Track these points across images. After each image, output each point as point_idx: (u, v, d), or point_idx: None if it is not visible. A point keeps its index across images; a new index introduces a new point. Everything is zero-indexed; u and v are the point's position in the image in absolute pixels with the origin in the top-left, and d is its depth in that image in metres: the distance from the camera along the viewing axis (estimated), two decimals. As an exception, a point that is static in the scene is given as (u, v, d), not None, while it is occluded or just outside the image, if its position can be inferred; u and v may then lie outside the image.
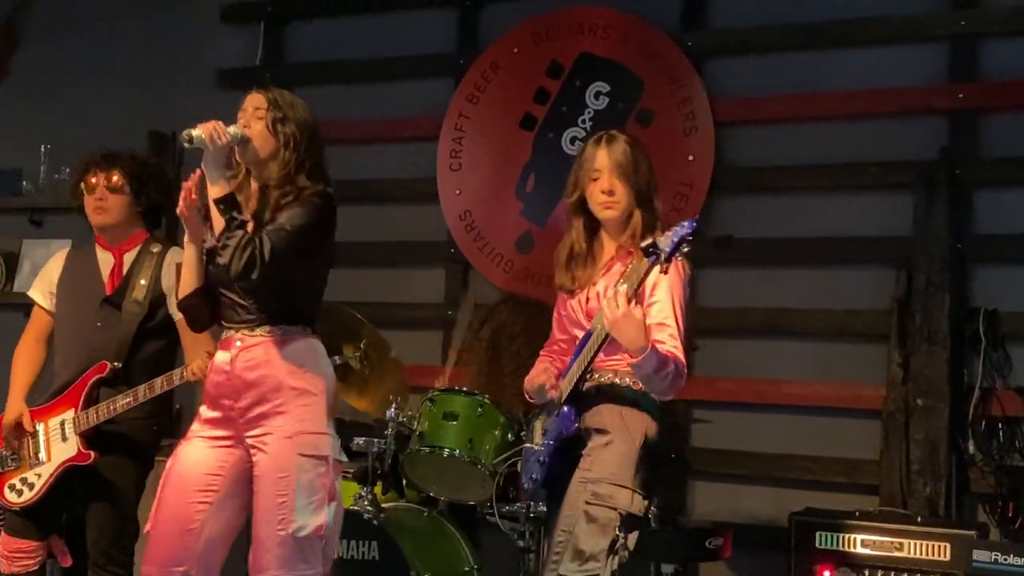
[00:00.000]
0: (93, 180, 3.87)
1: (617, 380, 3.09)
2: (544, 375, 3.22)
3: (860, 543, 3.90)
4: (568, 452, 3.12)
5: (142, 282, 3.83)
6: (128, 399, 3.71)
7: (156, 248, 3.92)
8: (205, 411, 3.21)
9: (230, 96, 5.52)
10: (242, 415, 3.11)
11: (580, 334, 3.18)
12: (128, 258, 3.89)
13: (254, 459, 3.10)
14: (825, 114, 4.59)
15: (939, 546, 3.81)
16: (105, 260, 3.92)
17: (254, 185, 3.21)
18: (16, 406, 3.86)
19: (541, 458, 3.16)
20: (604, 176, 3.14)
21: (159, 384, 3.70)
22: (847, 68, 4.59)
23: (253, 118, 3.17)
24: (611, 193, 3.13)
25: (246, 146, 3.16)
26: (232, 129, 3.16)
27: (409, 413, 4.19)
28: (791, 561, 4.00)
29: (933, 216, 4.31)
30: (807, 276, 4.60)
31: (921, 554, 3.83)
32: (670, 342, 2.98)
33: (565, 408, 3.09)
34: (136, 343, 3.80)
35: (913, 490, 4.23)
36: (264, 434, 3.07)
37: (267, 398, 3.08)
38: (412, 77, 5.31)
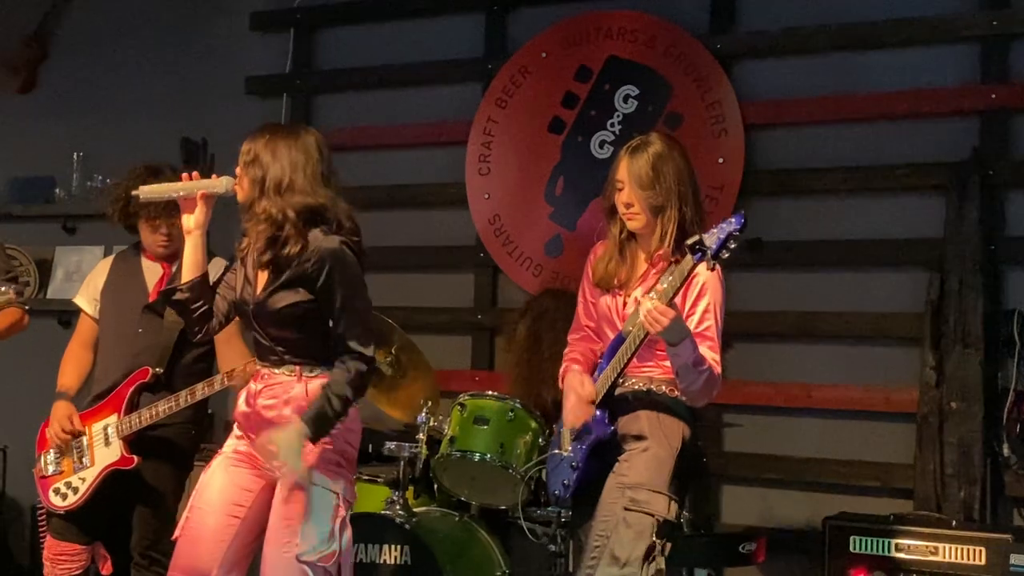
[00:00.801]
0: (157, 221, 3.88)
1: (652, 387, 3.09)
2: (577, 415, 3.17)
3: (895, 547, 3.87)
4: (601, 456, 3.11)
5: None
6: (170, 404, 3.78)
7: None
8: (236, 429, 3.26)
9: (260, 103, 5.64)
10: (261, 450, 3.12)
11: (611, 333, 3.18)
12: (175, 270, 3.93)
13: (273, 485, 3.13)
14: (856, 116, 4.56)
15: (975, 550, 3.78)
16: (152, 269, 4.01)
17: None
18: (65, 405, 3.91)
19: (574, 463, 3.15)
20: (625, 188, 3.18)
21: (200, 389, 3.78)
22: (877, 69, 4.56)
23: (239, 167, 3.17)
24: (629, 206, 3.17)
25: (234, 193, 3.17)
26: (202, 183, 3.19)
27: (440, 418, 4.20)
28: (825, 566, 3.98)
29: (965, 218, 4.28)
30: (839, 279, 4.58)
31: (956, 558, 3.80)
32: (708, 354, 2.99)
33: (598, 412, 3.09)
34: (177, 349, 3.87)
35: (947, 494, 4.19)
36: (280, 465, 3.05)
37: None
38: (441, 82, 5.32)
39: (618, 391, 3.10)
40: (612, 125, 4.93)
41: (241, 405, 3.22)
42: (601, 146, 4.94)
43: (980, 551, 3.77)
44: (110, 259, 4.15)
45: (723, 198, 4.63)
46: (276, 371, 3.15)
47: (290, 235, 3.03)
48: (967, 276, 4.24)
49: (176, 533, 3.21)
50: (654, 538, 2.94)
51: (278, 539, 3.04)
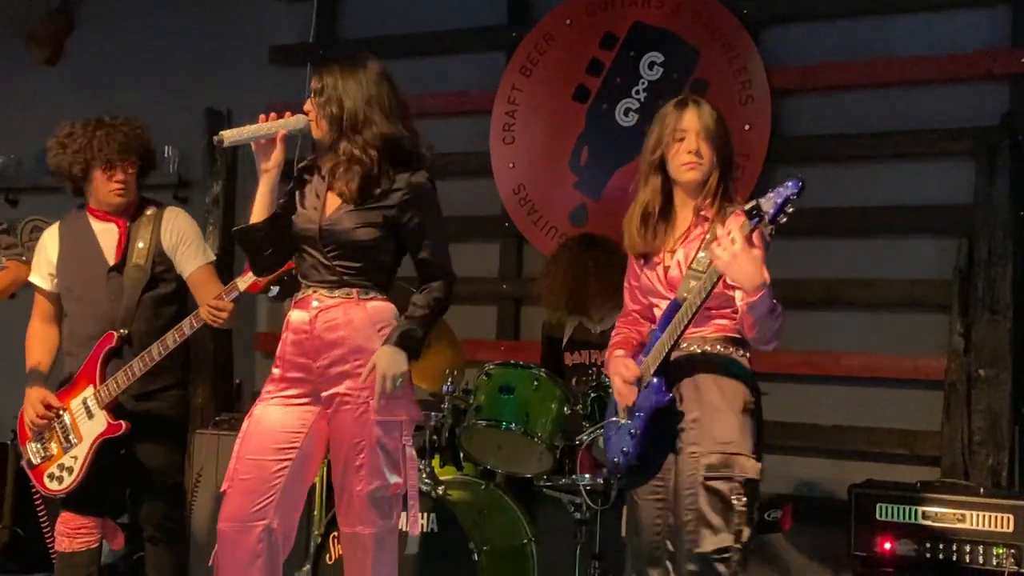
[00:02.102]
0: (115, 167, 3.80)
1: (708, 347, 3.01)
2: (625, 396, 3.11)
3: (922, 515, 3.86)
4: (660, 423, 3.02)
5: (140, 245, 3.82)
6: (144, 360, 3.69)
7: (151, 211, 3.90)
8: (280, 372, 3.24)
9: (283, 72, 5.63)
10: (322, 373, 3.15)
11: (658, 303, 3.10)
12: (133, 227, 3.86)
13: (333, 416, 3.15)
14: (884, 81, 4.52)
15: (1003, 517, 3.76)
16: (106, 231, 3.87)
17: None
18: (38, 389, 3.85)
19: (633, 430, 3.05)
20: (691, 137, 3.04)
21: (171, 338, 3.68)
22: (906, 33, 4.51)
23: (311, 104, 3.21)
24: (697, 154, 3.04)
25: (310, 130, 3.21)
26: (280, 123, 3.20)
27: (465, 387, 4.21)
28: (851, 533, 3.97)
29: (995, 184, 4.24)
30: (866, 246, 4.55)
31: (984, 525, 3.78)
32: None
33: (655, 380, 2.99)
34: (142, 309, 3.78)
35: (975, 461, 4.18)
36: (344, 394, 3.11)
37: (346, 359, 3.13)
38: (465, 51, 5.30)
39: (674, 356, 3.00)
40: (637, 93, 4.90)
41: (291, 335, 3.21)
42: (626, 114, 4.91)
43: (1008, 518, 3.75)
44: (55, 229, 3.98)
45: (750, 165, 4.60)
46: (330, 294, 3.16)
47: (378, 173, 3.12)
48: (996, 243, 4.21)
49: (224, 485, 3.20)
50: (743, 499, 2.88)
51: (351, 479, 3.10)
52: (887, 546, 3.88)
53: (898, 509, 3.88)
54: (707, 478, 2.91)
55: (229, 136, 3.22)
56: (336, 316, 3.15)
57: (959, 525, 3.81)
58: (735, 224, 2.77)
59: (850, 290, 4.53)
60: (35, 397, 3.83)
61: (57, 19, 6.19)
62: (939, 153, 4.43)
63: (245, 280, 3.62)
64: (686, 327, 2.94)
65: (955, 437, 4.24)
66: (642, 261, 3.15)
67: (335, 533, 3.71)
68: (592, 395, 3.94)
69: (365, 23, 5.53)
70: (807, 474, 4.58)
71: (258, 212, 3.22)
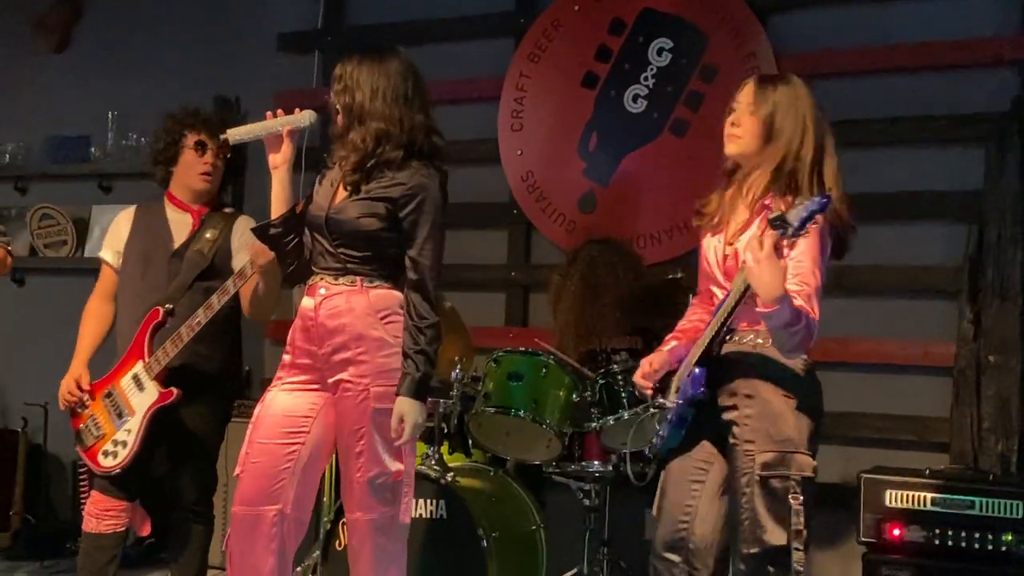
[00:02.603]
0: (206, 143, 3.92)
1: (761, 340, 2.94)
2: (642, 378, 3.13)
3: (931, 501, 3.86)
4: (699, 414, 2.99)
5: (208, 235, 3.92)
6: (191, 325, 3.73)
7: (229, 210, 4.05)
8: (290, 358, 3.28)
9: (291, 59, 5.63)
10: (326, 360, 3.18)
11: (715, 290, 3.06)
12: (207, 219, 3.98)
13: (336, 403, 3.18)
14: (893, 66, 4.49)
15: (1012, 504, 3.76)
16: (180, 220, 3.99)
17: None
18: (78, 369, 3.91)
19: (670, 416, 3.03)
20: (739, 110, 3.03)
21: (216, 300, 3.73)
22: (916, 19, 4.49)
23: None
24: (735, 125, 3.02)
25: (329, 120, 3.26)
26: (285, 119, 3.24)
27: (474, 374, 4.22)
28: (860, 520, 3.97)
29: (1005, 169, 4.22)
30: (876, 232, 4.51)
31: (993, 512, 3.78)
32: (805, 303, 2.81)
33: (697, 370, 2.94)
34: (193, 293, 3.83)
35: (984, 447, 4.17)
36: (346, 381, 3.14)
37: (348, 346, 3.15)
38: (472, 37, 5.29)
39: (728, 350, 2.96)
40: (646, 79, 4.89)
41: (299, 322, 3.25)
42: (635, 100, 4.90)
43: (1018, 504, 3.75)
44: (131, 211, 4.10)
45: (758, 151, 4.58)
46: (335, 281, 3.19)
47: (377, 164, 3.14)
48: (1006, 229, 4.19)
49: (237, 470, 3.23)
50: (798, 497, 2.83)
51: (352, 465, 3.13)
52: (896, 532, 3.88)
53: (907, 496, 3.88)
54: (761, 475, 2.86)
55: (235, 134, 3.28)
56: (339, 304, 3.17)
57: (968, 512, 3.81)
58: (769, 231, 2.71)
59: (859, 276, 4.51)
60: (70, 376, 3.91)
61: (65, 7, 6.19)
62: (949, 139, 4.42)
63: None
64: (725, 322, 2.90)
65: (964, 423, 4.23)
66: (707, 238, 3.09)
67: (344, 520, 3.73)
68: (601, 382, 3.95)
69: (373, 10, 5.52)
70: (817, 460, 4.56)
71: (274, 208, 3.28)
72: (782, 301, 2.71)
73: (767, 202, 2.95)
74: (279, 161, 3.28)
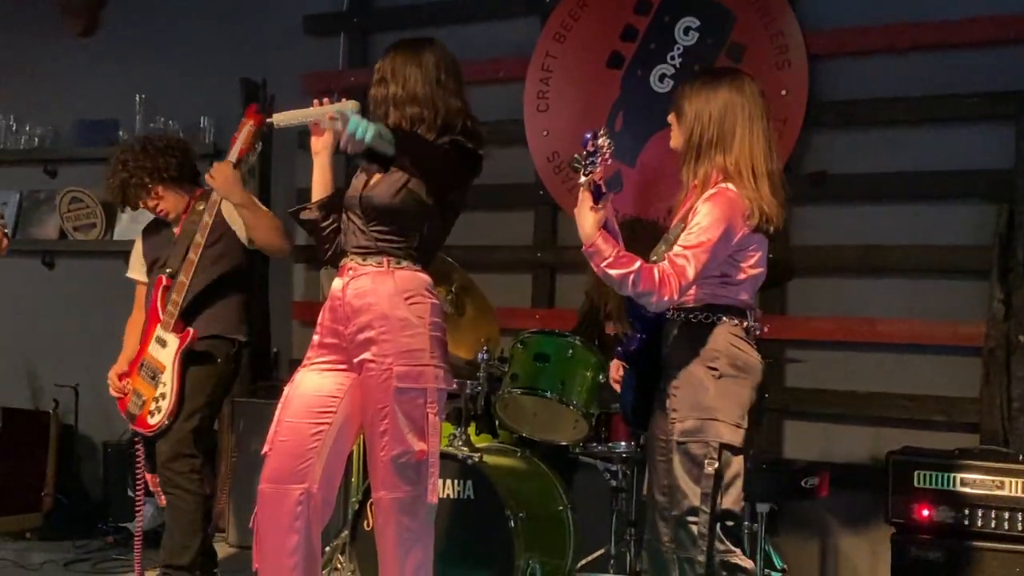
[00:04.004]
0: (141, 205, 4.16)
1: (687, 315, 3.05)
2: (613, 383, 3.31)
3: (960, 482, 3.85)
4: (644, 387, 3.14)
5: (200, 208, 4.08)
6: (187, 269, 3.95)
7: (205, 195, 4.15)
8: (319, 339, 3.31)
9: (317, 42, 5.64)
10: (351, 339, 3.20)
11: None
12: (188, 219, 4.14)
13: (362, 383, 3.19)
14: (922, 44, 4.45)
15: (1042, 485, 3.74)
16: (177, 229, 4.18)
17: None
18: (121, 366, 4.15)
19: (627, 387, 3.22)
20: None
21: (207, 213, 3.96)
22: (945, -4, 4.45)
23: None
24: (670, 123, 3.19)
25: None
26: (328, 108, 3.28)
27: (501, 355, 4.22)
28: (888, 500, 3.96)
29: (1036, 148, 4.19)
30: (904, 211, 4.50)
31: (1023, 492, 3.76)
32: (671, 260, 2.91)
33: (638, 336, 3.15)
34: (199, 261, 4.00)
35: (1014, 428, 4.15)
36: (369, 360, 3.15)
37: (372, 325, 3.16)
38: (498, 18, 5.28)
39: (668, 324, 3.09)
40: (672, 58, 4.86)
41: (330, 301, 3.29)
42: (661, 80, 4.88)
43: (1048, 485, 3.74)
44: (140, 232, 4.37)
45: (787, 131, 4.55)
46: (363, 262, 3.22)
47: None
48: (1037, 208, 4.16)
49: (265, 448, 3.26)
50: (716, 461, 2.92)
51: (376, 443, 3.15)
52: (924, 513, 3.87)
53: (936, 476, 3.87)
54: (679, 442, 2.98)
55: (279, 119, 3.38)
56: (364, 284, 3.20)
57: (997, 492, 3.79)
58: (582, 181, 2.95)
59: (888, 256, 4.49)
60: (115, 371, 4.14)
61: (92, -9, 6.22)
62: (979, 117, 4.37)
63: (233, 152, 3.92)
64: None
65: (994, 404, 4.21)
66: None
67: (372, 500, 3.75)
68: (628, 363, 3.94)
69: (399, -9, 5.52)
70: (844, 441, 4.56)
71: (315, 192, 3.38)
72: (593, 240, 2.90)
73: (694, 182, 3.09)
74: (320, 147, 3.37)
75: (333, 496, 3.28)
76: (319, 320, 3.32)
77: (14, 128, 6.27)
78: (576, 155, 2.91)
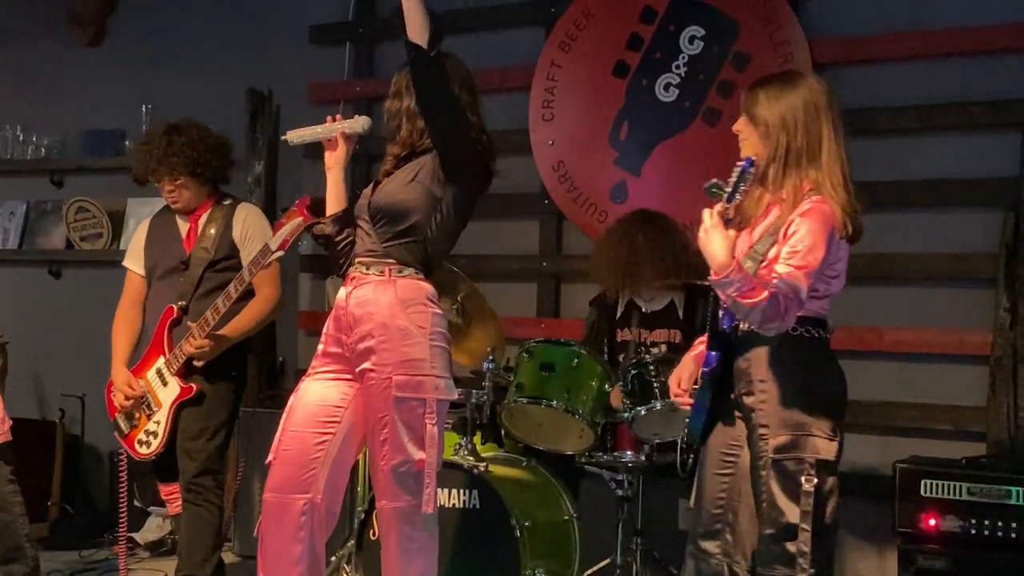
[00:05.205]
0: (158, 184, 4.14)
1: None
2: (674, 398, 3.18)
3: (967, 491, 3.82)
4: (718, 399, 3.02)
5: (211, 231, 4.10)
6: (202, 327, 3.92)
7: (227, 202, 4.20)
8: (324, 348, 3.32)
9: (323, 51, 5.65)
10: (353, 348, 3.21)
11: None
12: (202, 220, 4.16)
13: (363, 392, 3.20)
14: (929, 52, 4.45)
15: (1049, 494, 3.72)
16: (184, 226, 4.20)
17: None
18: (121, 373, 4.12)
19: (696, 404, 3.08)
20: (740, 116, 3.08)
21: (232, 289, 3.90)
22: (950, 4, 4.44)
23: None
24: (738, 131, 3.06)
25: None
26: (341, 124, 3.39)
27: (506, 364, 4.22)
28: (896, 510, 3.94)
29: (1043, 156, 4.18)
30: (911, 219, 4.50)
31: (1030, 502, 3.75)
32: (783, 266, 2.78)
33: (712, 354, 3.01)
34: (203, 287, 4.04)
35: (1021, 436, 4.14)
36: (369, 370, 3.16)
37: (372, 334, 3.17)
38: (503, 27, 5.28)
39: (743, 333, 2.97)
40: (677, 67, 4.86)
41: (335, 311, 3.31)
42: (666, 89, 4.88)
43: (1055, 495, 3.72)
44: (147, 220, 4.36)
45: (791, 139, 4.54)
46: (367, 271, 3.24)
47: (411, 154, 3.28)
48: (1044, 216, 4.16)
49: (269, 458, 3.28)
50: (814, 478, 2.85)
51: (376, 452, 3.16)
52: (932, 522, 3.85)
53: (943, 485, 3.85)
54: (776, 460, 2.89)
55: (294, 136, 3.47)
56: (366, 293, 3.21)
57: (1005, 501, 3.77)
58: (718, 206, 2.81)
59: (895, 264, 4.48)
60: (122, 380, 4.11)
61: (98, 0, 6.23)
62: (985, 125, 4.37)
63: (276, 239, 3.75)
64: (716, 301, 2.96)
65: (1001, 413, 4.19)
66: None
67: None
68: (633, 372, 3.94)
69: (404, 1, 5.51)
70: (851, 450, 4.51)
71: (328, 207, 3.41)
72: (729, 270, 2.73)
73: (783, 194, 2.96)
74: (333, 162, 3.41)
75: (337, 506, 3.28)
76: (324, 329, 3.33)
77: (21, 138, 6.30)
78: (716, 180, 2.81)
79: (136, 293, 4.25)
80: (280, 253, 3.72)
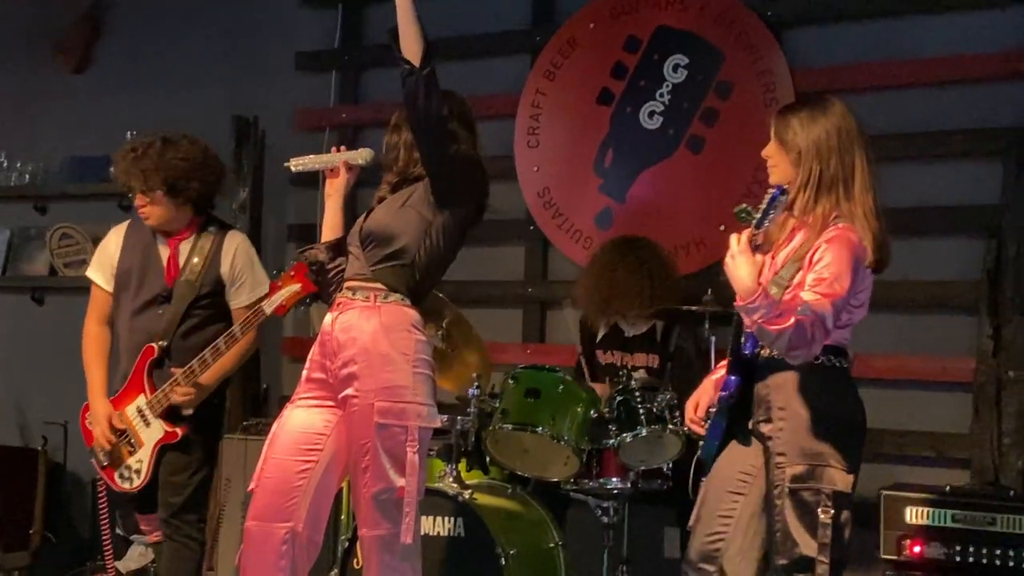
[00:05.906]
0: (135, 194, 3.91)
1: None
2: (690, 423, 3.17)
3: (951, 518, 3.84)
4: (734, 423, 3.00)
5: (195, 261, 3.91)
6: (187, 376, 3.80)
7: (212, 230, 3.99)
8: (308, 373, 3.31)
9: (309, 78, 5.66)
10: (336, 374, 3.21)
11: None
12: (184, 247, 3.95)
13: (346, 419, 3.19)
14: (909, 82, 4.49)
15: (1033, 521, 3.73)
16: (164, 251, 3.98)
17: None
18: (102, 406, 3.93)
19: (709, 429, 3.06)
20: (770, 142, 3.05)
21: (208, 355, 3.80)
22: (931, 34, 4.48)
23: None
24: (768, 156, 3.04)
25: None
26: (343, 155, 3.48)
27: (491, 390, 4.21)
28: (880, 537, 3.94)
29: (1022, 184, 4.20)
30: (894, 247, 4.44)
31: (1014, 528, 3.75)
32: (809, 293, 2.77)
33: (731, 378, 2.97)
34: (186, 323, 3.88)
35: (1005, 464, 4.15)
36: (352, 396, 3.15)
37: (355, 360, 3.16)
38: (488, 55, 5.31)
39: (763, 359, 2.96)
40: (661, 95, 4.89)
41: (321, 336, 3.30)
42: (650, 116, 4.91)
43: (1039, 521, 3.73)
44: (122, 229, 4.08)
45: (775, 167, 4.57)
46: (352, 297, 3.24)
47: (404, 180, 3.35)
48: (1025, 243, 4.18)
49: (251, 485, 3.26)
50: (830, 509, 2.82)
51: (358, 480, 3.15)
52: (916, 549, 3.86)
53: (927, 512, 3.86)
54: (793, 490, 2.87)
55: (296, 164, 3.51)
56: (351, 318, 3.21)
57: (989, 528, 3.78)
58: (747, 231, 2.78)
59: (877, 291, 4.42)
60: (102, 414, 3.91)
61: (84, 27, 6.24)
62: (966, 154, 4.40)
63: (271, 303, 3.78)
64: (740, 325, 2.93)
65: (984, 439, 4.21)
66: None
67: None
68: (619, 398, 3.94)
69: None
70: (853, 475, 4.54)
71: (324, 235, 3.45)
72: (755, 295, 2.70)
73: (808, 220, 2.94)
74: (333, 190, 3.46)
75: (320, 535, 3.26)
76: (310, 355, 3.32)
77: (5, 165, 6.29)
78: (746, 205, 2.77)
79: (103, 309, 4.02)
80: (272, 314, 3.76)
